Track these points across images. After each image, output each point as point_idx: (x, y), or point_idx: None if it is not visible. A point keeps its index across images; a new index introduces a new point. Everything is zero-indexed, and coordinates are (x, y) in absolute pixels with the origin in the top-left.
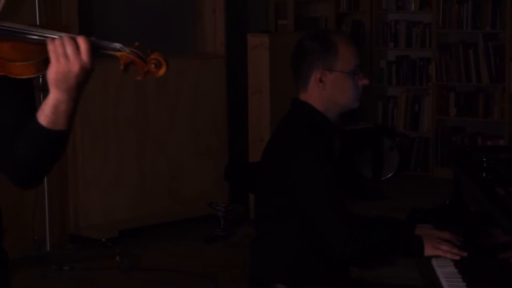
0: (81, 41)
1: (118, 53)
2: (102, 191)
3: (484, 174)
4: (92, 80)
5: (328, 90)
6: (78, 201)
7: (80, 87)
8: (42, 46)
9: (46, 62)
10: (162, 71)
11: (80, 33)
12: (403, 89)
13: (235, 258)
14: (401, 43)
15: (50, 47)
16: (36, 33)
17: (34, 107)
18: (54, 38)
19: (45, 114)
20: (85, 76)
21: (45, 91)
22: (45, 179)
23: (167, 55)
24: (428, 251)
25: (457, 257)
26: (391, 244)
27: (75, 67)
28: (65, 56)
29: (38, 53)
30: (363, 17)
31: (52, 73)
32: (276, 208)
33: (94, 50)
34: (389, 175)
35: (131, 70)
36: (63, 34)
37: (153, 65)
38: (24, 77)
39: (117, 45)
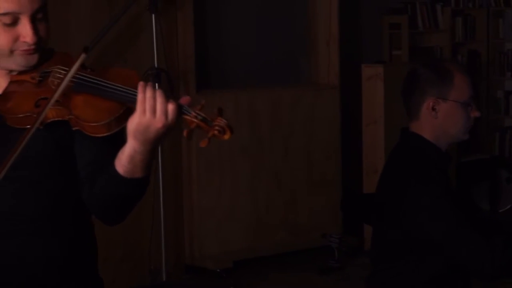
0: (170, 101)
1: (184, 116)
2: (217, 222)
3: None
4: (207, 112)
5: (440, 119)
6: (194, 232)
7: (158, 142)
8: (116, 103)
9: (118, 120)
10: (226, 136)
11: (197, 70)
12: None
13: None
14: None
15: (140, 97)
16: (113, 90)
17: (117, 148)
18: (146, 90)
19: (121, 164)
20: (165, 134)
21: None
22: (161, 210)
23: (281, 86)
24: None
25: None
26: None
27: (158, 124)
28: (153, 111)
29: (110, 112)
30: (479, 46)
31: (133, 123)
32: (391, 243)
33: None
34: (507, 207)
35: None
36: (137, 91)
37: (217, 131)
38: (96, 135)
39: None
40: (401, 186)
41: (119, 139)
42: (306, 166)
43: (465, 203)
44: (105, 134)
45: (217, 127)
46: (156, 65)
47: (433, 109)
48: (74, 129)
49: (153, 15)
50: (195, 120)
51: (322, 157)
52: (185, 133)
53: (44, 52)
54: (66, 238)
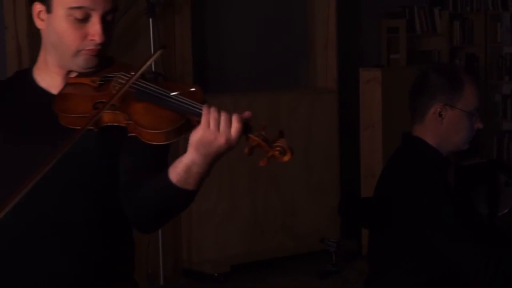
0: (236, 119)
1: (246, 134)
2: (215, 226)
3: None
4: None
5: (445, 125)
6: (192, 236)
7: (217, 158)
8: (176, 114)
9: (177, 131)
10: (286, 157)
11: (195, 74)
12: None
13: None
14: None
15: (205, 111)
16: (174, 101)
17: (160, 159)
18: (210, 106)
19: (177, 172)
20: (226, 150)
21: None
22: None
23: (280, 89)
24: None
25: None
26: None
27: (221, 139)
28: (217, 125)
29: (170, 122)
30: (477, 50)
31: (197, 135)
32: (389, 245)
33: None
34: (505, 211)
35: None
36: (203, 106)
37: (277, 152)
38: (153, 143)
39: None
40: (401, 189)
41: (164, 152)
42: (304, 170)
43: (464, 207)
44: (162, 143)
45: (278, 148)
46: (153, 69)
47: (440, 115)
48: (130, 135)
49: (151, 19)
50: (257, 138)
51: (320, 161)
52: (246, 150)
53: (105, 58)
54: (106, 241)
